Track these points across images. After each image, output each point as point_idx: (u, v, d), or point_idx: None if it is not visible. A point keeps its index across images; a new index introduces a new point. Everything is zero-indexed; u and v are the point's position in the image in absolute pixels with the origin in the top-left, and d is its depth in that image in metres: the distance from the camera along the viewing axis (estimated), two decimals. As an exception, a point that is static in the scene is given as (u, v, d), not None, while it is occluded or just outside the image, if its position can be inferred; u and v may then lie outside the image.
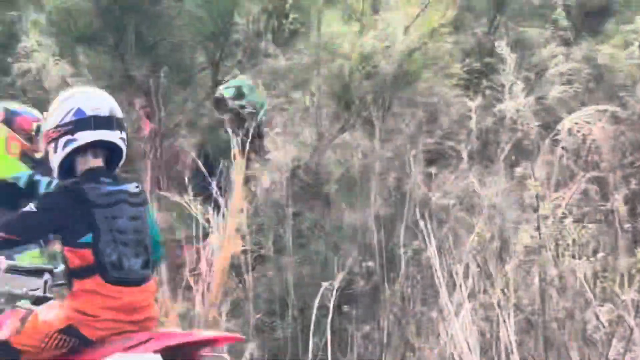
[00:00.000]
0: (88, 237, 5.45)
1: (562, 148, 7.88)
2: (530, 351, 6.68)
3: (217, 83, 8.59)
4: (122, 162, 5.74)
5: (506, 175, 7.52)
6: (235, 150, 7.17)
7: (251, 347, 6.68)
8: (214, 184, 7.11)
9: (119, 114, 5.67)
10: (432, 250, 6.60)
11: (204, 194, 7.20)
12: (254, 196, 7.54)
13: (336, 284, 6.62)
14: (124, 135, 5.65)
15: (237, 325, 6.94)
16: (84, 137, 5.68)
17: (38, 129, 7.69)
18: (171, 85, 8.47)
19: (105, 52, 8.44)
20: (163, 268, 6.84)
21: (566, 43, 10.36)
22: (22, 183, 7.40)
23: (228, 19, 8.44)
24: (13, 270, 6.55)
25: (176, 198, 7.23)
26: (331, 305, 6.54)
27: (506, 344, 6.38)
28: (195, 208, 6.95)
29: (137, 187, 5.64)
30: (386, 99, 7.86)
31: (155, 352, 5.33)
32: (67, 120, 5.75)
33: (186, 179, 7.36)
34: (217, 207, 7.03)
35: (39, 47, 8.42)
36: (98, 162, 5.62)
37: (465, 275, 6.60)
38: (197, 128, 8.74)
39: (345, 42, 8.19)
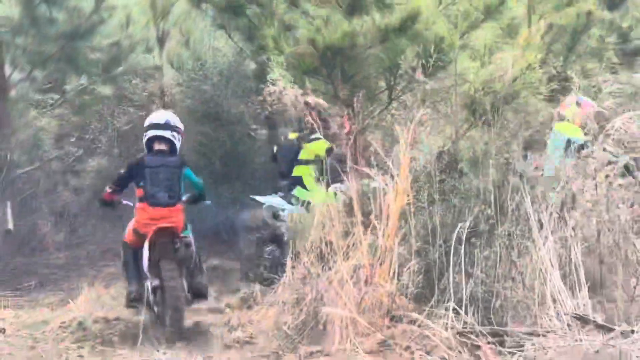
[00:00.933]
0: (142, 182, 8.23)
1: (612, 139, 8.04)
2: (590, 267, 7.37)
3: (391, 100, 9.43)
4: (178, 149, 8.37)
5: (576, 156, 7.99)
6: (402, 140, 7.51)
7: (412, 264, 7.35)
8: (389, 162, 7.54)
9: (173, 122, 8.38)
10: (528, 203, 7.41)
11: (383, 168, 7.66)
12: (415, 169, 7.81)
13: (467, 224, 7.39)
14: (174, 133, 8.34)
15: (404, 250, 7.41)
16: (150, 133, 8.40)
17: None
18: (363, 101, 9.13)
19: (322, 80, 9.35)
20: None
21: (614, 72, 11.93)
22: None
23: (397, 60, 9.12)
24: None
25: (366, 170, 7.90)
26: (464, 238, 7.33)
27: (575, 263, 7.18)
28: (379, 176, 7.57)
29: (176, 159, 8.22)
30: (498, 108, 8.24)
31: (153, 231, 7.96)
32: (145, 125, 8.44)
33: (372, 158, 8.00)
34: (391, 175, 7.43)
35: (281, 77, 8.89)
36: (162, 147, 8.35)
37: (549, 219, 7.38)
38: (379, 128, 9.67)
39: (472, 73, 8.72)
